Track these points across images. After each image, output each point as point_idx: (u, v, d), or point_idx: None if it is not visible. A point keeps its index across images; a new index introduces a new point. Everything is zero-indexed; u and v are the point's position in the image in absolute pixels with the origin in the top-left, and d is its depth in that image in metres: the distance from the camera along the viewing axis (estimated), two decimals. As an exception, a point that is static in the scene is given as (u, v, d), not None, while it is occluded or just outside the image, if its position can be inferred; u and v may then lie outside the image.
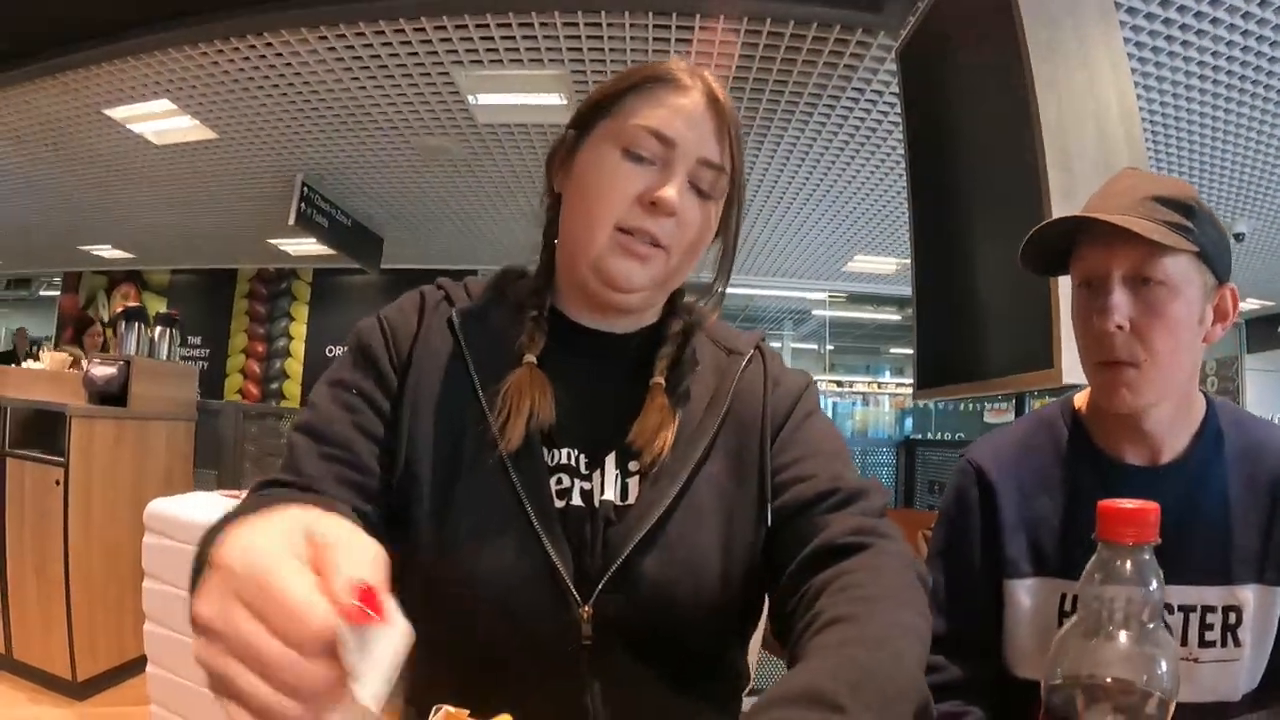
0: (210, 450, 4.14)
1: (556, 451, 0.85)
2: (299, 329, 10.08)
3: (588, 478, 0.85)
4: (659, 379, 0.88)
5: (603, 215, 0.82)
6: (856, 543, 0.76)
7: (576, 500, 0.84)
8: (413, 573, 0.81)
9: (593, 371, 0.90)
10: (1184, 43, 3.97)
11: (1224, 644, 1.01)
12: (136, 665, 3.00)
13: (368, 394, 0.84)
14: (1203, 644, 1.01)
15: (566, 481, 0.84)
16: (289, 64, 4.48)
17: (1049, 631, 1.03)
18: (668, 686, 0.83)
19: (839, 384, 11.56)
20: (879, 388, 11.88)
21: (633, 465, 0.86)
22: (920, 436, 8.46)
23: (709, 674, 0.88)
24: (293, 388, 9.99)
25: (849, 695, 0.54)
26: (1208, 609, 1.01)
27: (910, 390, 3.73)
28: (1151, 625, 0.56)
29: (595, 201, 0.83)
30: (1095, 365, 1.02)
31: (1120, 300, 0.97)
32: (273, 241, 8.74)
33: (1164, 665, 0.54)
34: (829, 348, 11.65)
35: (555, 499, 0.83)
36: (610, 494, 0.84)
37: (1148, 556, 0.56)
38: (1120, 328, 0.97)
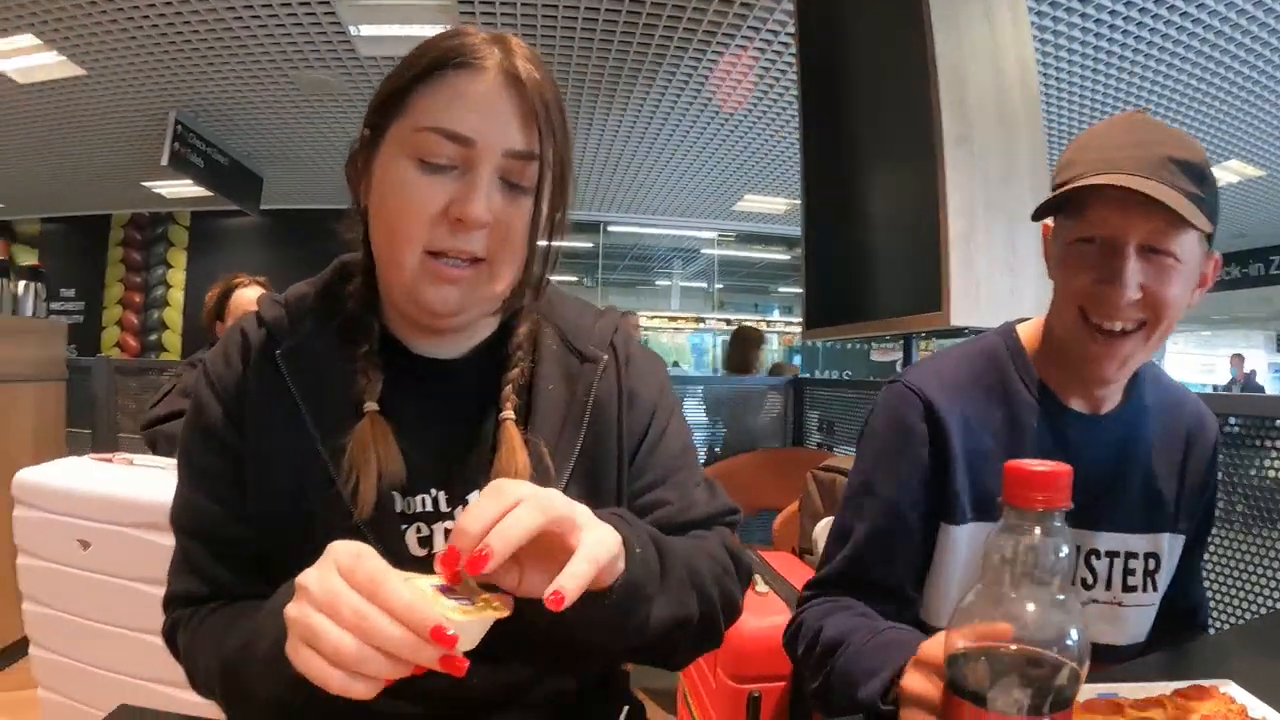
0: (84, 410, 3.89)
1: (412, 500, 0.81)
2: (177, 276, 9.62)
3: (450, 515, 0.82)
4: (508, 413, 0.82)
5: (407, 240, 0.74)
6: None
7: (440, 545, 0.81)
8: None
9: (438, 406, 0.85)
10: (1081, -1, 4.07)
11: (1145, 589, 1.06)
12: (18, 649, 2.84)
13: (217, 471, 0.82)
14: (1126, 589, 1.05)
15: (426, 529, 0.81)
16: (159, -6, 4.18)
17: None
18: (554, 709, 0.85)
19: (728, 322, 11.72)
20: (768, 325, 12.09)
21: None
22: (808, 375, 8.66)
23: (599, 680, 0.90)
24: (172, 338, 9.57)
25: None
26: (1131, 555, 1.05)
27: (799, 329, 3.79)
28: (1062, 596, 0.51)
29: (396, 224, 0.75)
30: (1091, 329, 0.97)
31: (1135, 270, 0.92)
32: (147, 184, 8.30)
33: (1074, 635, 0.51)
34: (718, 286, 11.79)
35: (417, 547, 0.81)
36: None
37: (1058, 523, 0.51)
38: (1134, 301, 0.93)
